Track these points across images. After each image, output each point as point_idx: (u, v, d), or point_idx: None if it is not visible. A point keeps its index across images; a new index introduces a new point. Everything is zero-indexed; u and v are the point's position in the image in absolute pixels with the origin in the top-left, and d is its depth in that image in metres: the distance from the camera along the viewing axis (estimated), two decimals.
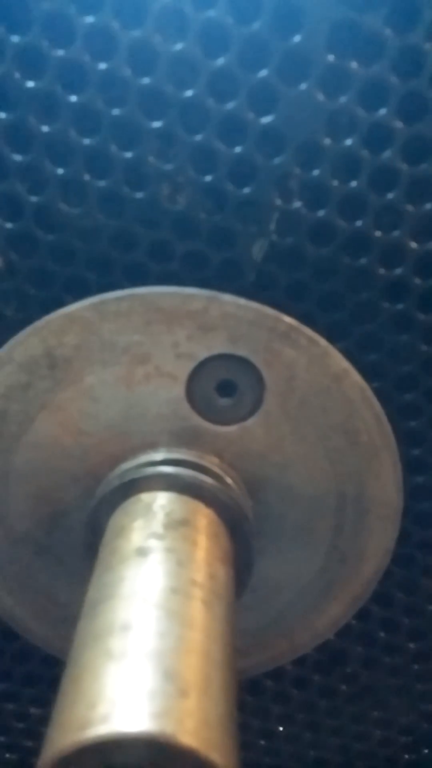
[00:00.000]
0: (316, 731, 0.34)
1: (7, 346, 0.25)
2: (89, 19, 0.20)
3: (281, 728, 0.34)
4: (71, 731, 0.15)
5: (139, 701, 0.15)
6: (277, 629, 0.30)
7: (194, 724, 0.15)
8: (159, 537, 0.21)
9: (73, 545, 0.28)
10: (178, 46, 0.20)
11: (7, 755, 0.34)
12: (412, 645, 0.32)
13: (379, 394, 0.26)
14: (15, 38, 0.20)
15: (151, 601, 0.19)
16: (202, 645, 0.18)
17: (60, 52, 0.20)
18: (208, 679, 0.17)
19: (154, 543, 0.21)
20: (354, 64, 0.21)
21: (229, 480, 0.26)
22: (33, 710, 0.32)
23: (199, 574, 0.20)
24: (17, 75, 0.20)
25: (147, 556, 0.21)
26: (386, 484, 0.27)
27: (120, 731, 0.15)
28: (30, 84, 0.21)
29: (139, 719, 0.15)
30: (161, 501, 0.23)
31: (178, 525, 0.22)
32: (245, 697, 0.33)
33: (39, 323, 0.24)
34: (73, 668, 0.17)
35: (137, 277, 0.24)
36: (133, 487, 0.24)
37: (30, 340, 0.25)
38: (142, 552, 0.21)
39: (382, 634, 0.31)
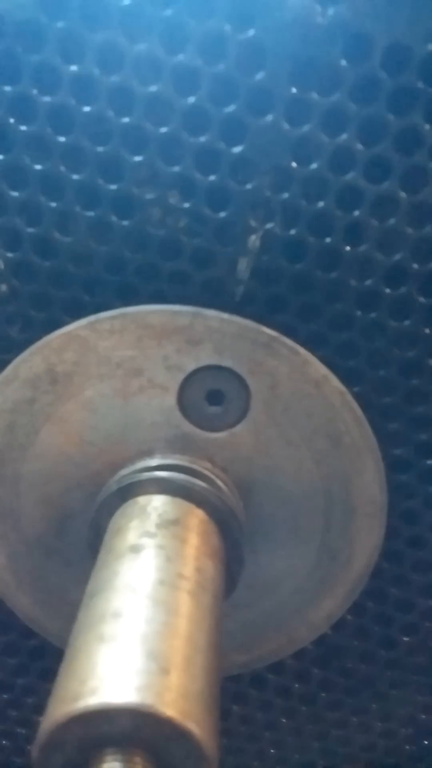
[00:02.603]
0: (318, 723, 0.35)
1: (12, 365, 0.27)
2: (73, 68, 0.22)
3: (284, 720, 0.35)
4: (64, 703, 0.17)
5: (124, 677, 0.17)
6: (274, 624, 0.31)
7: (173, 697, 0.17)
8: (151, 535, 0.23)
9: (80, 547, 0.30)
10: (153, 88, 0.22)
11: (30, 747, 0.36)
12: (406, 638, 0.33)
13: (359, 398, 0.27)
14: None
15: (140, 592, 0.21)
16: (185, 630, 0.20)
17: (47, 99, 0.23)
18: (189, 660, 0.19)
19: (146, 541, 0.23)
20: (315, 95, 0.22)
21: (220, 483, 0.28)
22: None
23: (187, 568, 0.22)
24: (11, 120, 0.23)
25: (139, 553, 0.23)
26: (370, 483, 0.29)
27: (106, 702, 0.16)
28: (23, 128, 0.23)
29: (124, 692, 0.17)
30: (155, 503, 0.25)
31: (169, 524, 0.24)
32: (248, 691, 0.34)
33: (40, 343, 0.27)
34: (69, 651, 0.19)
35: (130, 297, 0.26)
36: (130, 491, 0.26)
37: (33, 359, 0.27)
38: (135, 549, 0.23)
39: (376, 629, 0.33)
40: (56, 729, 0.17)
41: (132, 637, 0.19)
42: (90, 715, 0.17)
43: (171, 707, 0.17)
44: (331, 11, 0.21)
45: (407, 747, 0.36)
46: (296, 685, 0.34)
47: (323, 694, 0.34)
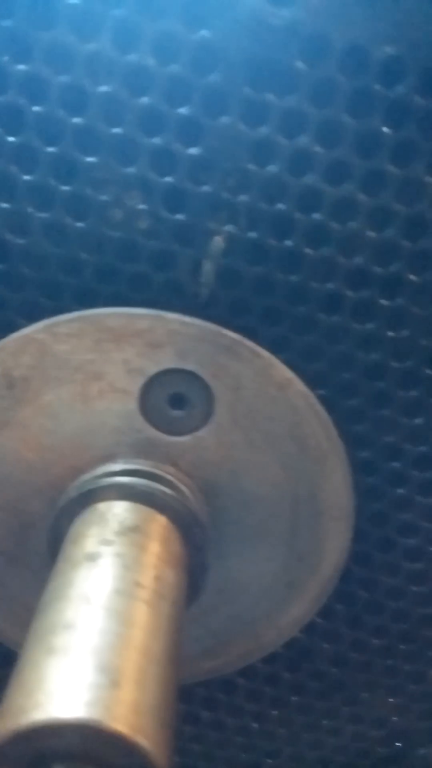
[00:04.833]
0: (289, 727, 0.35)
1: None
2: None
3: (256, 725, 0.35)
4: (8, 718, 0.16)
5: (72, 691, 0.17)
6: (243, 629, 0.31)
7: (123, 712, 0.17)
8: (108, 543, 0.23)
9: (41, 554, 0.29)
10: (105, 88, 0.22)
11: None
12: (376, 641, 0.33)
13: (324, 401, 0.27)
14: None
15: (95, 602, 0.20)
16: (140, 641, 0.19)
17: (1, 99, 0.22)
18: (142, 672, 0.18)
19: (103, 549, 0.23)
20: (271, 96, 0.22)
21: (183, 488, 0.27)
22: None
23: (144, 576, 0.22)
24: None
25: (96, 561, 0.22)
26: (337, 487, 0.28)
27: (51, 717, 0.16)
28: None
29: (71, 707, 0.16)
30: (116, 510, 0.25)
31: (128, 531, 0.24)
32: (218, 696, 0.34)
33: None
34: (19, 664, 0.19)
35: (88, 299, 0.26)
36: (90, 497, 0.26)
37: None
38: (91, 557, 0.22)
39: (346, 631, 0.33)
40: (0, 745, 0.16)
41: (83, 650, 0.18)
42: (35, 731, 0.16)
43: (120, 722, 0.16)
44: (285, 12, 0.21)
45: (379, 749, 0.36)
46: (267, 689, 0.34)
47: (294, 698, 0.34)
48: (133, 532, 0.24)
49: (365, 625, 0.32)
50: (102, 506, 0.25)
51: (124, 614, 0.20)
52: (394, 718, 0.35)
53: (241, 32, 0.21)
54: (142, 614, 0.20)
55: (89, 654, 0.18)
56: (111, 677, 0.17)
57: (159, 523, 0.25)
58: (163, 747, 0.17)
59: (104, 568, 0.22)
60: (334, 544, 0.29)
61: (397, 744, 0.36)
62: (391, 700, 0.35)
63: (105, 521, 0.24)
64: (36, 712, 0.16)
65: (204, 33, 0.21)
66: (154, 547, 0.24)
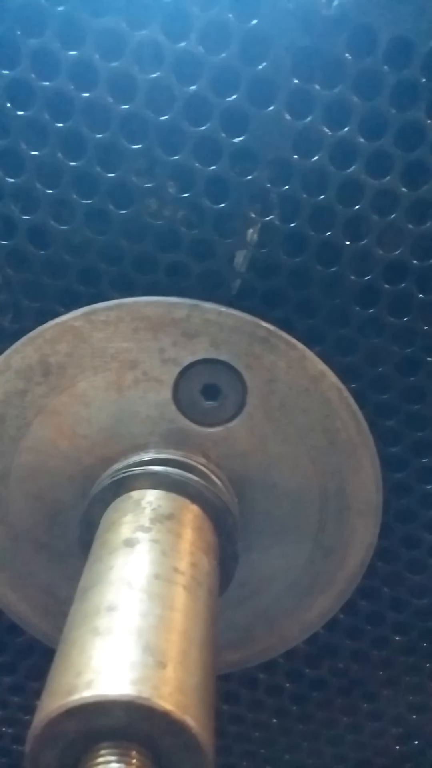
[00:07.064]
0: (308, 723, 0.35)
1: (4, 355, 0.27)
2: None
3: (274, 720, 0.35)
4: (59, 696, 0.16)
5: (120, 670, 0.17)
6: (266, 623, 0.31)
7: (169, 690, 0.17)
8: (145, 530, 0.23)
9: (70, 542, 0.29)
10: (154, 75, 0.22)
11: (15, 747, 0.35)
12: (398, 638, 0.33)
13: (356, 394, 0.27)
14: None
15: (135, 586, 0.20)
16: (180, 624, 0.19)
17: (46, 83, 0.22)
18: (185, 654, 0.18)
19: (140, 535, 0.23)
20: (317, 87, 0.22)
21: (214, 478, 0.27)
22: (38, 703, 0.34)
23: (182, 562, 0.22)
24: (8, 105, 0.23)
25: (134, 547, 0.22)
26: (365, 481, 0.28)
27: (102, 694, 0.16)
28: (20, 113, 0.23)
29: (120, 685, 0.16)
30: (149, 498, 0.25)
31: (164, 519, 0.24)
32: (239, 690, 0.34)
33: (33, 333, 0.26)
34: (63, 645, 0.19)
35: (126, 288, 0.26)
36: (123, 485, 0.26)
37: (25, 349, 0.26)
38: (129, 543, 0.22)
39: (369, 628, 0.33)
40: (50, 722, 0.16)
41: (127, 631, 0.18)
42: (85, 708, 0.16)
43: (168, 700, 0.16)
44: (336, 3, 0.21)
45: (397, 747, 0.36)
46: (287, 685, 0.34)
47: (314, 694, 0.34)
48: (168, 519, 0.24)
49: (388, 622, 0.32)
50: (136, 494, 0.25)
51: (165, 598, 0.20)
52: (413, 716, 0.35)
53: (292, 22, 0.21)
54: (181, 598, 0.20)
55: (133, 635, 0.18)
56: (156, 657, 0.18)
57: (192, 511, 0.25)
58: (207, 726, 0.17)
59: (142, 554, 0.22)
60: (361, 540, 0.29)
61: (415, 742, 0.36)
62: (410, 697, 0.35)
63: (140, 509, 0.24)
64: (85, 691, 0.16)
65: (254, 22, 0.21)
66: (190, 535, 0.24)
